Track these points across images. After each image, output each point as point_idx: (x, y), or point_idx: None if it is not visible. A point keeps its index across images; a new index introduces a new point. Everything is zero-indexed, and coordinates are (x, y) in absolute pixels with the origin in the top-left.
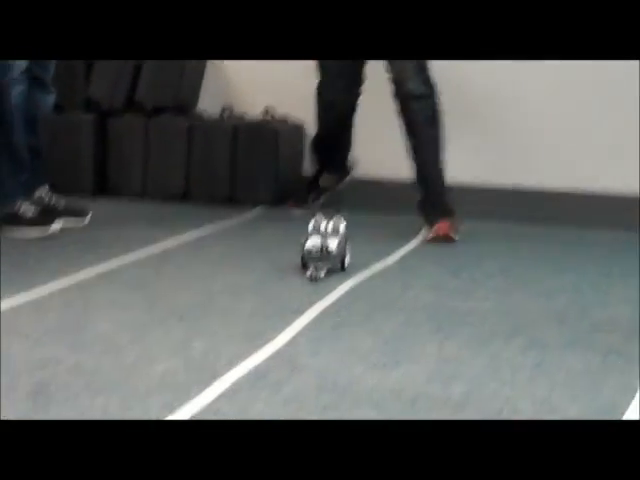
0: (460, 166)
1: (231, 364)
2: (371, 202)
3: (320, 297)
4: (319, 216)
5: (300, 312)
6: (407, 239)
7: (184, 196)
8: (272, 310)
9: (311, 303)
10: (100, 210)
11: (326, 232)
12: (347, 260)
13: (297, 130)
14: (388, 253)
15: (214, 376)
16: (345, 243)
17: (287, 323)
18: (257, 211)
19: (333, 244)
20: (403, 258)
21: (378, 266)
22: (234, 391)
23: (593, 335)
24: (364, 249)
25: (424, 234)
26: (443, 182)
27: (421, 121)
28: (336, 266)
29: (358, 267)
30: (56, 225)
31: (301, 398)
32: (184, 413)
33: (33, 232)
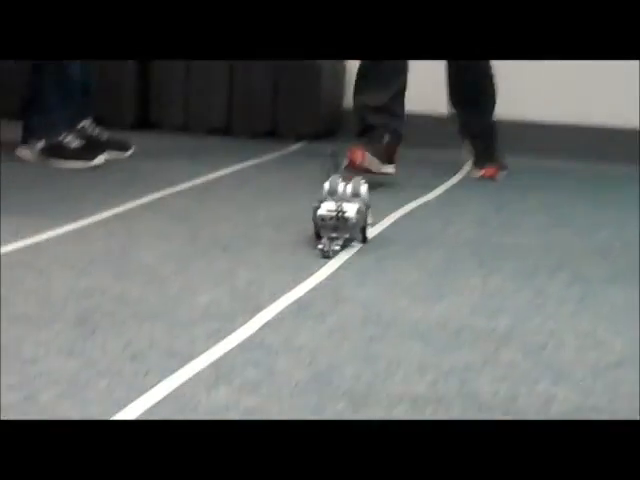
0: (505, 102)
1: (275, 295)
2: (415, 136)
3: None
4: (335, 177)
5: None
6: (450, 174)
7: (226, 130)
8: (315, 242)
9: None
10: (142, 143)
11: (344, 196)
12: (369, 230)
13: (339, 64)
14: (431, 188)
15: (258, 306)
16: (367, 210)
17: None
18: (299, 145)
19: (352, 210)
20: (446, 193)
21: (421, 200)
22: (279, 321)
23: (636, 269)
24: (407, 183)
25: (467, 169)
26: (495, 131)
27: (473, 84)
28: (355, 236)
29: (401, 201)
30: (100, 158)
31: (346, 329)
32: (230, 342)
33: (77, 164)
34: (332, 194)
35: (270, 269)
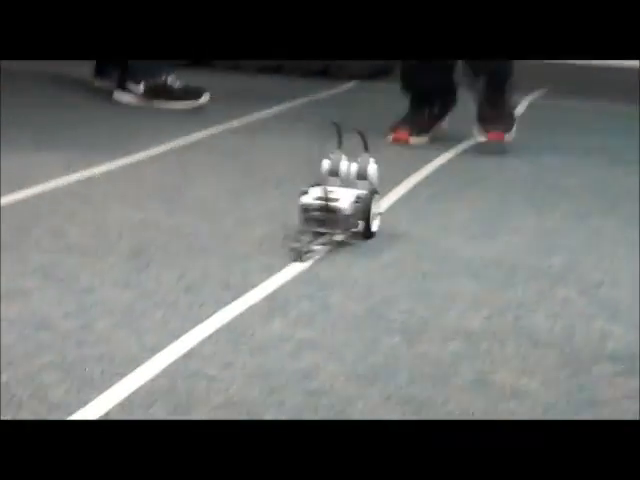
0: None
1: None
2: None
3: (416, 169)
4: (338, 154)
5: (396, 183)
6: None
7: (277, 68)
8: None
9: (407, 174)
10: (194, 82)
11: (348, 177)
12: (375, 223)
13: None
14: None
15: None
16: (372, 196)
17: (384, 192)
18: (351, 84)
19: (345, 199)
20: None
21: (472, 142)
22: (333, 255)
23: None
24: (460, 124)
25: (521, 109)
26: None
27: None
28: (351, 230)
29: (454, 141)
30: (205, 96)
31: (401, 265)
32: (284, 275)
33: (184, 104)
34: (333, 175)
35: None
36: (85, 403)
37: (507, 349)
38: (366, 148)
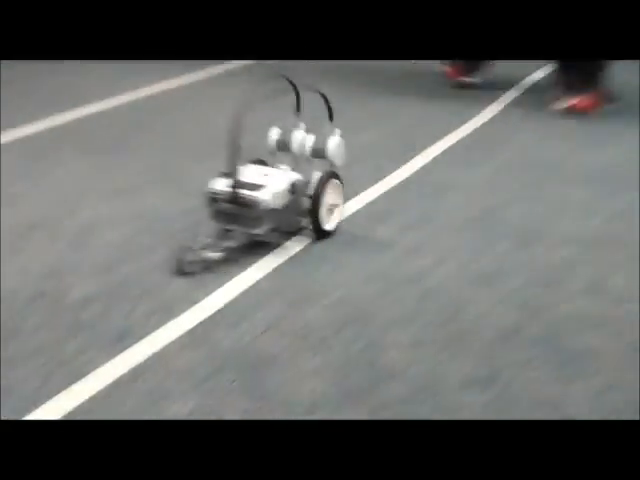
0: None
1: (436, 138)
2: None
3: (514, 84)
4: (295, 121)
5: (492, 100)
6: None
7: None
8: (457, 109)
9: (510, 85)
10: None
11: (300, 153)
12: (333, 219)
13: None
14: None
15: (423, 146)
16: (325, 183)
17: (483, 107)
18: None
19: (271, 188)
20: None
21: None
22: (439, 162)
23: None
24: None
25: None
26: None
27: None
28: (283, 230)
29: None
30: None
31: (510, 171)
32: (391, 180)
33: None
34: (283, 149)
35: (425, 115)
36: (194, 303)
37: (620, 255)
38: (330, 116)
